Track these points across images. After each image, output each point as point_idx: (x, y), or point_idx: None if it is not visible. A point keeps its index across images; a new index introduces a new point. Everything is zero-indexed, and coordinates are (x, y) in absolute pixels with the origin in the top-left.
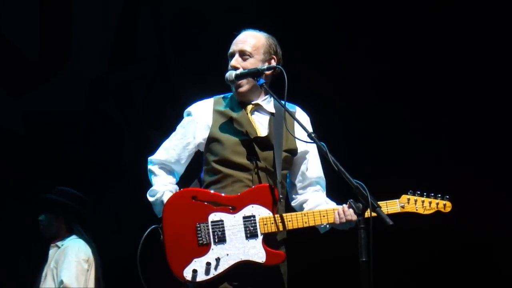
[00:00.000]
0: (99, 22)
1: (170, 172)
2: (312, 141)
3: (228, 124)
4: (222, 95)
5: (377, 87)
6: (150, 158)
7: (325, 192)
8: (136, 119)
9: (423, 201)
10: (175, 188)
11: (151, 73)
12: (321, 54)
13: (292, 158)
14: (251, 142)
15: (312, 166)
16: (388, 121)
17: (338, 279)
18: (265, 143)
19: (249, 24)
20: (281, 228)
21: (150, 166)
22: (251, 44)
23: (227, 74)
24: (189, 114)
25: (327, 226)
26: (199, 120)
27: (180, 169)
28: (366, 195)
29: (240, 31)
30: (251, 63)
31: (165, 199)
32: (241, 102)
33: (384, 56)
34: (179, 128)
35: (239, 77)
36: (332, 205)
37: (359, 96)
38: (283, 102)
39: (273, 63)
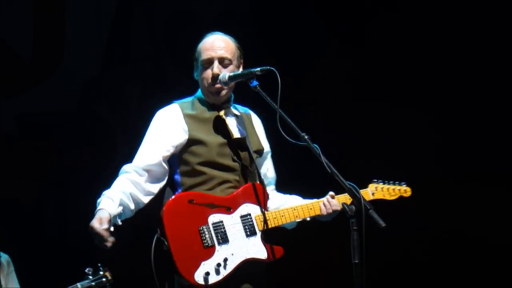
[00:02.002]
0: (92, 23)
1: (152, 178)
2: (305, 143)
3: (206, 127)
4: (182, 100)
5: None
6: (124, 166)
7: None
8: (130, 120)
9: (388, 188)
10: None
11: (145, 74)
12: (313, 55)
13: (259, 158)
14: (232, 144)
15: (271, 166)
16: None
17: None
18: (242, 144)
19: (242, 27)
20: (276, 223)
21: (125, 175)
22: (229, 50)
23: (221, 76)
24: (159, 120)
25: (308, 219)
26: (173, 124)
27: (163, 173)
28: (359, 197)
29: (205, 35)
30: (230, 70)
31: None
32: (212, 105)
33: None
34: (152, 133)
35: (232, 79)
36: (300, 200)
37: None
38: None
39: (241, 67)
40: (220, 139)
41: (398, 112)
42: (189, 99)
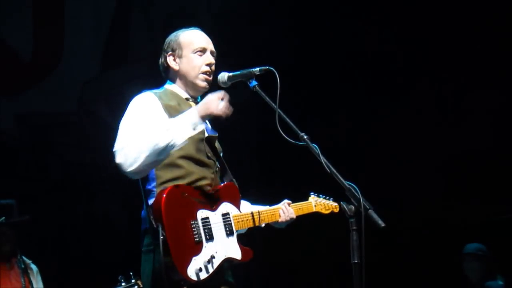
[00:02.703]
0: (91, 24)
1: None
2: (304, 143)
3: None
4: (154, 90)
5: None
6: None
7: None
8: None
9: (324, 204)
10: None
11: (143, 74)
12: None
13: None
14: (207, 140)
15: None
16: None
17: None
18: (213, 142)
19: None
20: (250, 225)
21: (125, 151)
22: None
23: (220, 76)
24: (142, 105)
25: (262, 225)
26: (155, 110)
27: None
28: (358, 197)
29: (186, 27)
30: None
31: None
32: (186, 98)
33: None
34: (136, 117)
35: (231, 79)
36: (249, 205)
37: None
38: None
39: None
40: (198, 135)
41: None
42: (160, 89)
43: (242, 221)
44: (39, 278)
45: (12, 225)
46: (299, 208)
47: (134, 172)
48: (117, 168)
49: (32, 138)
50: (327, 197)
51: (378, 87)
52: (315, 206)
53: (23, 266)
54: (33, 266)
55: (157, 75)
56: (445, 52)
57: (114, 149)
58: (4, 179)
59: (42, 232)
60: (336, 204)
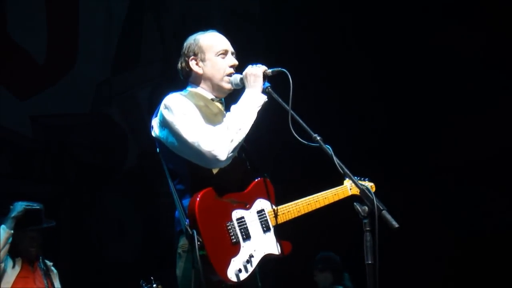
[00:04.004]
0: (104, 26)
1: None
2: (317, 144)
3: (217, 120)
4: (180, 91)
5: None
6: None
7: None
8: (141, 123)
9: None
10: None
11: (155, 76)
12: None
13: None
14: None
15: None
16: None
17: None
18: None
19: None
20: (287, 218)
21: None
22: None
23: (232, 78)
24: (181, 103)
25: None
26: (195, 107)
27: None
28: (372, 198)
29: (204, 30)
30: None
31: None
32: (212, 99)
33: None
34: (185, 112)
35: (243, 80)
36: None
37: None
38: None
39: None
40: None
41: None
42: (185, 91)
43: (278, 215)
44: (58, 281)
45: (41, 230)
46: (335, 194)
47: (228, 158)
48: (201, 160)
49: (47, 140)
50: (362, 178)
51: None
52: (350, 189)
53: (44, 267)
54: (54, 269)
55: (168, 77)
56: None
57: (191, 141)
58: (18, 179)
59: (56, 234)
60: (372, 184)
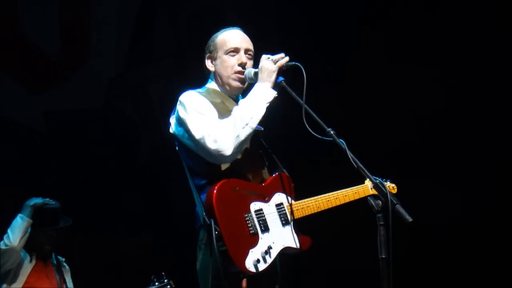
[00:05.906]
0: (117, 21)
1: None
2: (331, 138)
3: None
4: (198, 89)
5: None
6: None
7: None
8: (153, 118)
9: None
10: None
11: (168, 71)
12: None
13: None
14: (254, 135)
15: None
16: None
17: None
18: (260, 136)
19: (265, 22)
20: (306, 213)
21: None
22: (252, 45)
23: (246, 72)
24: (195, 99)
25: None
26: (210, 105)
27: None
28: (386, 192)
29: (226, 27)
30: (251, 63)
31: None
32: (228, 97)
33: None
34: (198, 108)
35: (257, 75)
36: None
37: None
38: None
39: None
40: None
41: None
42: (202, 89)
43: (297, 209)
44: (70, 277)
45: (59, 229)
46: (355, 192)
47: (234, 153)
48: (208, 156)
49: (60, 135)
50: (384, 179)
51: None
52: (371, 189)
53: (55, 263)
54: (66, 265)
55: (181, 72)
56: None
57: (198, 138)
58: (32, 176)
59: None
60: (394, 185)
